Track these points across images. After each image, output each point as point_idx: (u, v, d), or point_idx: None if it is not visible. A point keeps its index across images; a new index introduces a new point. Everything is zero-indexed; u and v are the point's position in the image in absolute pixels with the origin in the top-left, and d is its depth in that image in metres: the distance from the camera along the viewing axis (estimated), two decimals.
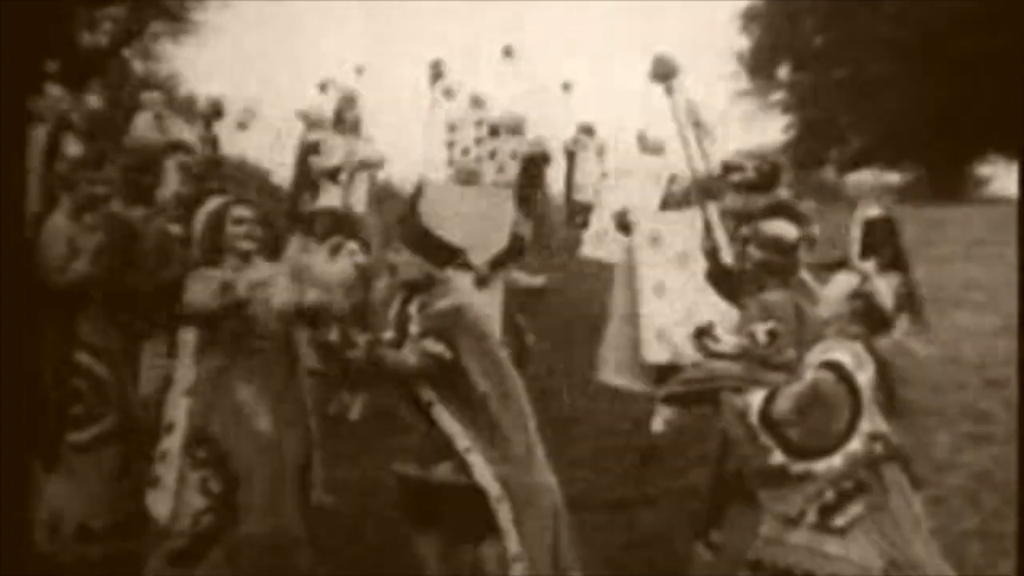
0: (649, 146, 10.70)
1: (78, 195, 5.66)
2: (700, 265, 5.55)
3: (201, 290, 4.94)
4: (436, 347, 4.71)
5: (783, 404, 4.22)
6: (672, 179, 8.92)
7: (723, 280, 5.24)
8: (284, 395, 4.98)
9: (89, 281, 5.50)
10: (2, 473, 4.69)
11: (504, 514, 4.72)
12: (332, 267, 5.05)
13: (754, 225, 4.86)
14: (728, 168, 6.21)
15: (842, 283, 4.37)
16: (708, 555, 4.58)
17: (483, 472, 4.73)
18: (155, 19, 18.25)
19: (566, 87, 14.52)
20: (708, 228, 5.43)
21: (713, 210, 5.48)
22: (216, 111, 7.37)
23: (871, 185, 8.33)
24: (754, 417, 4.26)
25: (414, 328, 4.81)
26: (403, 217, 5.64)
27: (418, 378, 4.78)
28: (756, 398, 4.29)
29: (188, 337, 4.98)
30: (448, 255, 4.96)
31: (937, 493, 5.82)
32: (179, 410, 4.89)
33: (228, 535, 4.78)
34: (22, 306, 4.97)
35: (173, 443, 4.85)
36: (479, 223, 7.54)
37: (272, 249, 5.28)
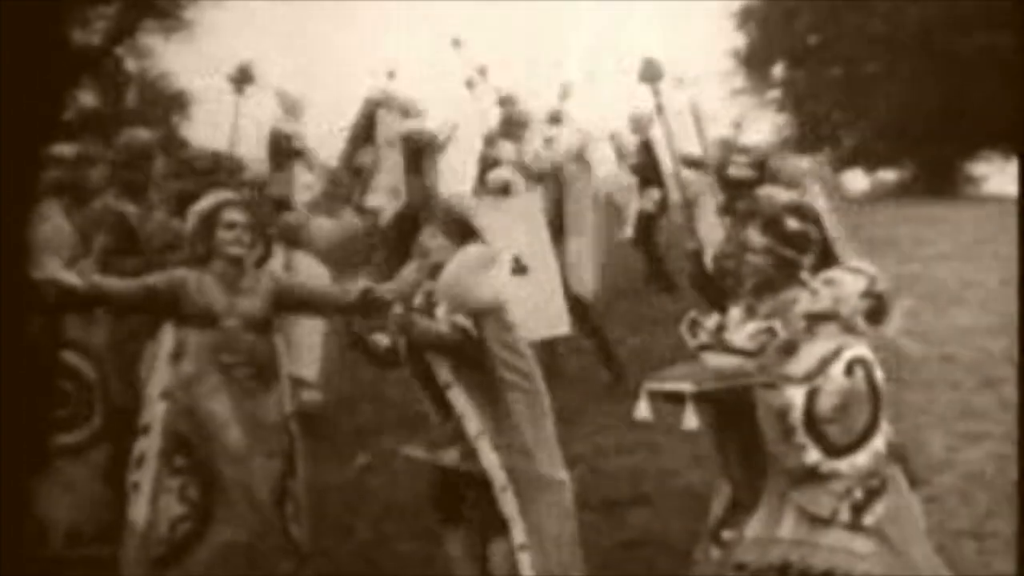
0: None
1: (71, 194, 5.64)
2: None
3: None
4: (466, 322, 4.72)
5: (827, 401, 4.19)
6: None
7: (706, 283, 5.21)
8: (258, 408, 4.93)
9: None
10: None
11: (509, 503, 4.72)
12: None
13: (763, 219, 4.78)
14: (722, 165, 6.19)
15: (853, 283, 4.36)
16: (718, 554, 4.54)
17: (490, 459, 4.73)
18: (147, 18, 18.21)
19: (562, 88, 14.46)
20: (692, 229, 5.41)
21: (708, 209, 5.46)
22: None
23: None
24: (798, 415, 4.22)
25: (441, 310, 4.83)
26: (435, 202, 5.67)
27: (442, 351, 4.79)
28: (798, 395, 4.25)
29: (166, 337, 4.94)
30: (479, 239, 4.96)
31: (932, 492, 5.81)
32: (155, 412, 4.85)
33: (206, 542, 4.75)
34: (12, 307, 4.95)
35: (150, 446, 4.81)
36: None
37: (263, 256, 5.20)
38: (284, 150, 9.13)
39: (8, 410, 4.80)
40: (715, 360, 4.50)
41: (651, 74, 5.69)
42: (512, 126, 10.01)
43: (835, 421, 4.20)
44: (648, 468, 6.68)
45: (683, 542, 5.62)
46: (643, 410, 4.44)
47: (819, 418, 4.21)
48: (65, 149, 5.82)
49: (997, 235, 11.74)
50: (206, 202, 5.08)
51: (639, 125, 10.86)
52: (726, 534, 4.55)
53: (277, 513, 4.89)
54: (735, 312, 4.73)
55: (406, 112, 10.17)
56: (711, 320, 4.63)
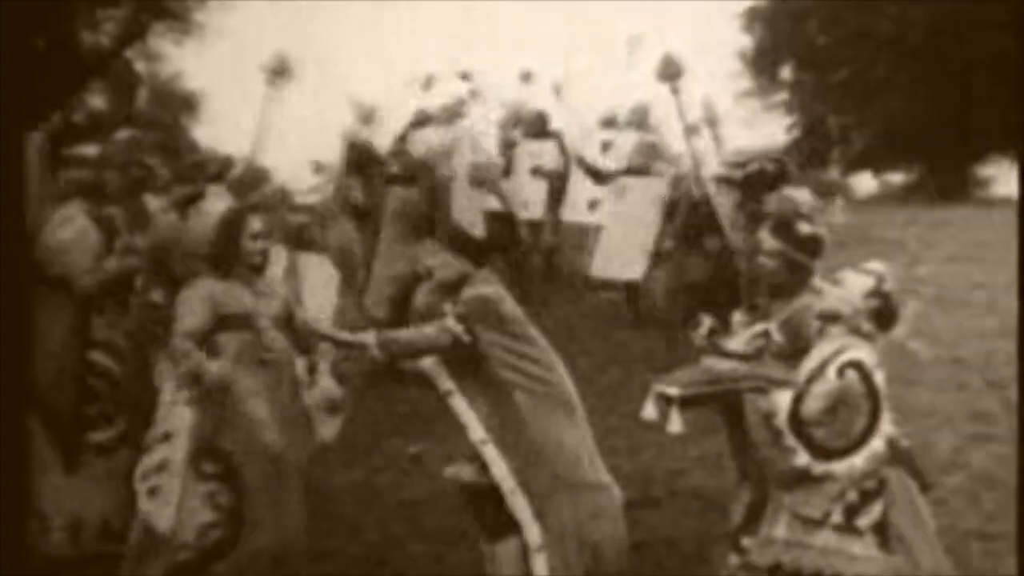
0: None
1: (94, 195, 5.66)
2: None
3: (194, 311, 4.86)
4: (456, 327, 4.72)
5: (813, 404, 4.21)
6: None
7: (730, 282, 5.21)
8: (288, 408, 4.93)
9: (118, 279, 5.52)
10: (2, 473, 4.70)
11: (519, 506, 4.70)
12: None
13: (775, 221, 4.80)
14: (738, 167, 6.21)
15: (858, 283, 4.36)
16: (738, 560, 4.55)
17: (497, 464, 4.72)
18: (157, 20, 18.24)
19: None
20: (719, 230, 5.40)
21: (726, 211, 5.46)
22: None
23: None
24: (783, 418, 4.24)
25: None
26: (436, 218, 5.62)
27: (439, 356, 4.79)
28: (783, 399, 4.26)
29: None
30: (482, 251, 4.98)
31: (938, 494, 5.80)
32: (180, 420, 4.79)
33: (235, 550, 4.71)
34: (24, 306, 5.00)
35: (174, 453, 4.76)
36: None
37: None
38: (364, 160, 9.06)
39: (21, 410, 4.85)
40: (711, 363, 4.53)
41: (670, 72, 5.68)
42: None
43: (822, 424, 4.21)
44: (657, 469, 6.69)
45: (691, 543, 5.64)
46: (650, 411, 4.45)
47: (805, 421, 4.22)
48: (88, 150, 5.84)
49: (1004, 238, 11.70)
50: (226, 208, 5.09)
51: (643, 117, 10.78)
52: (746, 541, 4.55)
53: (302, 516, 4.88)
54: (738, 316, 4.76)
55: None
56: (705, 324, 4.65)
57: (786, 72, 22.67)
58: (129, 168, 5.93)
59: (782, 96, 22.51)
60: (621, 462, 6.86)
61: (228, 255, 4.94)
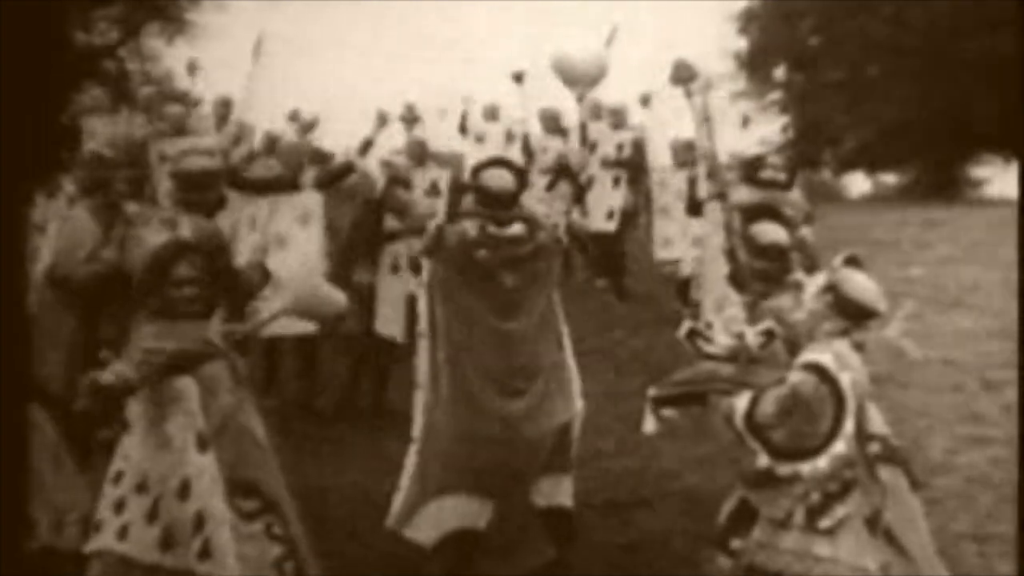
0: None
1: (106, 195, 5.66)
2: None
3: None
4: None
5: (765, 408, 4.20)
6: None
7: (744, 281, 5.20)
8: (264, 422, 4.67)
9: (115, 271, 5.52)
10: (2, 473, 4.68)
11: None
12: None
13: (744, 231, 4.85)
14: (753, 166, 6.24)
15: (815, 281, 4.35)
16: (727, 563, 4.55)
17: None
18: (150, 20, 18.24)
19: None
20: (728, 228, 5.41)
21: (732, 209, 5.48)
22: None
23: None
24: (739, 420, 4.24)
25: None
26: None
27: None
28: (741, 401, 4.28)
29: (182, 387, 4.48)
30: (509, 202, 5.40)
31: (932, 495, 5.82)
32: (196, 467, 4.36)
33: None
34: (25, 307, 5.01)
35: (209, 503, 4.34)
36: None
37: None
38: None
39: (21, 409, 4.84)
40: (701, 365, 4.55)
41: (683, 75, 5.70)
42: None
43: (776, 427, 4.19)
44: (648, 470, 6.69)
45: (683, 544, 5.64)
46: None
47: (758, 424, 4.21)
48: (91, 149, 5.88)
49: (998, 238, 11.74)
50: (161, 243, 4.66)
51: (620, 119, 10.86)
52: (735, 543, 4.54)
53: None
54: (737, 313, 4.76)
55: None
56: (684, 327, 4.65)
57: (779, 73, 22.70)
58: (135, 164, 5.96)
59: (775, 96, 22.54)
60: (612, 463, 6.87)
61: (152, 294, 4.48)
